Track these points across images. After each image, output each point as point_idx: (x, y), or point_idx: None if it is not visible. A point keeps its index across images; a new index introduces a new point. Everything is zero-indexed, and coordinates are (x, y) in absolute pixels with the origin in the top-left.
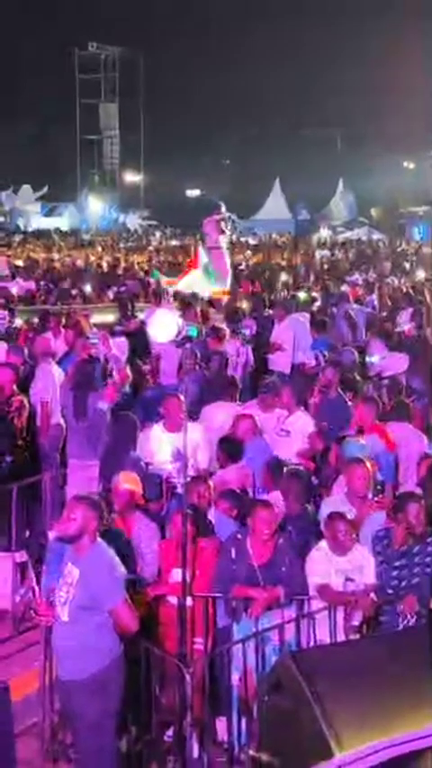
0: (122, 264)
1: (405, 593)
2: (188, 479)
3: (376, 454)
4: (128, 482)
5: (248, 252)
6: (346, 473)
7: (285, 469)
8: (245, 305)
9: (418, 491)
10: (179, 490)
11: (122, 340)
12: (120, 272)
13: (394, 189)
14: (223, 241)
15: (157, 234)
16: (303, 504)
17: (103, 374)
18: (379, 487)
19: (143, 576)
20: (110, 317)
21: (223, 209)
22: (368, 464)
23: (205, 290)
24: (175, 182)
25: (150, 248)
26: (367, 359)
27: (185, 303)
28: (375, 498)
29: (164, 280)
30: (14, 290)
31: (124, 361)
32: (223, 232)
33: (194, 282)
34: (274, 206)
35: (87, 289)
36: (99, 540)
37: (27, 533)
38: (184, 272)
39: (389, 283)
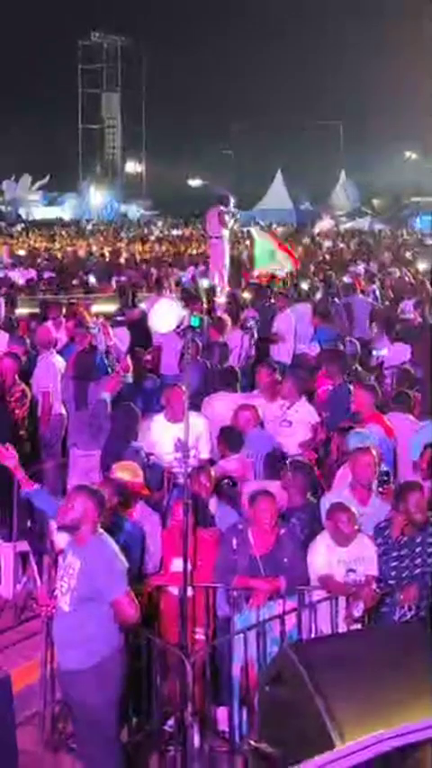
0: (123, 255)
1: (407, 584)
2: (190, 469)
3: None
4: (123, 471)
5: (249, 242)
6: (352, 461)
7: (289, 461)
8: (246, 295)
9: (421, 482)
10: (180, 480)
11: (123, 330)
12: (122, 261)
13: (396, 179)
14: (225, 233)
15: (159, 224)
16: (307, 495)
17: (109, 364)
18: (385, 478)
19: (145, 566)
20: (111, 307)
21: (232, 202)
22: (374, 452)
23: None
24: (176, 172)
25: (152, 238)
26: (375, 352)
27: (190, 294)
28: (381, 489)
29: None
30: (19, 279)
31: (125, 351)
32: (226, 224)
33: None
34: (276, 196)
35: (89, 279)
36: (100, 530)
37: (28, 523)
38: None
39: (391, 273)
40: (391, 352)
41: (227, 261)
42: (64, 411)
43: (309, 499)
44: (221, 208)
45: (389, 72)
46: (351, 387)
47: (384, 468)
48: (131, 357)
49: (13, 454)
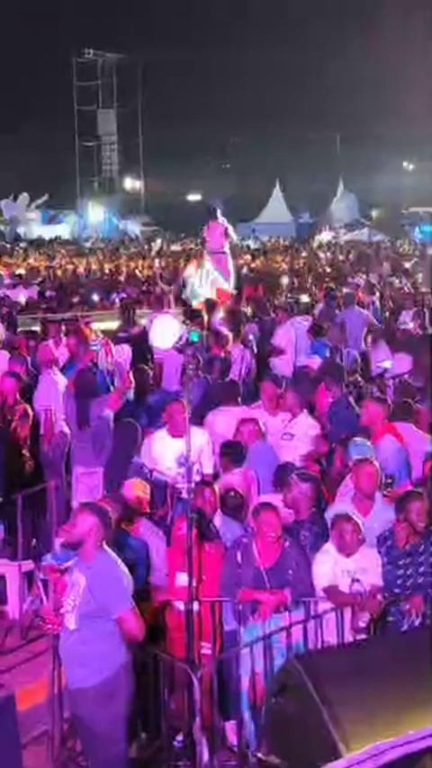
0: (124, 271)
1: (411, 593)
2: (193, 485)
3: (392, 453)
4: (137, 490)
5: (248, 256)
6: (355, 473)
7: (296, 473)
8: (247, 309)
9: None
10: (184, 495)
11: (125, 346)
12: (122, 278)
13: (395, 190)
14: (227, 247)
15: (158, 240)
16: (314, 507)
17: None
18: (389, 480)
19: (151, 581)
20: (113, 324)
21: (218, 212)
22: (376, 463)
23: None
24: (175, 187)
25: (152, 254)
26: (378, 365)
27: (192, 311)
28: (385, 491)
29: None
30: (21, 298)
31: (127, 368)
32: (229, 238)
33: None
34: (275, 209)
35: (91, 296)
36: (105, 547)
37: (33, 542)
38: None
39: (391, 284)
40: (393, 363)
41: (231, 276)
42: (66, 429)
43: (315, 511)
44: (225, 223)
45: (386, 83)
46: (350, 399)
47: (388, 471)
48: (134, 373)
49: None
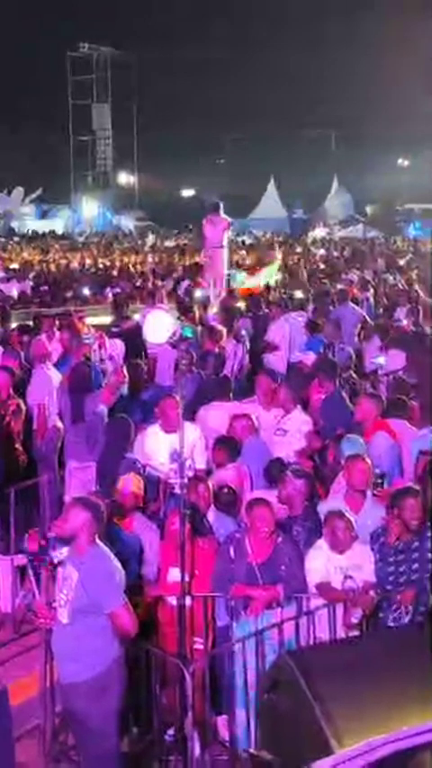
0: (117, 266)
1: (404, 589)
2: (186, 480)
3: (385, 449)
4: (133, 486)
5: (243, 252)
6: (347, 468)
7: (290, 470)
8: (241, 304)
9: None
10: (177, 491)
11: (118, 341)
12: (115, 273)
13: (390, 186)
14: (225, 242)
15: (152, 235)
16: (307, 503)
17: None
18: (379, 480)
19: (144, 576)
20: (106, 319)
21: (221, 210)
22: (368, 460)
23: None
24: (169, 182)
25: (146, 249)
26: (373, 361)
27: (185, 305)
28: (375, 491)
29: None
30: (13, 292)
31: (120, 363)
32: (228, 232)
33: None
34: (269, 205)
35: (84, 290)
36: (98, 542)
37: (26, 536)
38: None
39: (386, 280)
40: (387, 359)
41: (226, 269)
42: (60, 424)
43: (308, 507)
44: (226, 219)
45: (381, 79)
46: (344, 394)
47: (378, 471)
48: (128, 368)
49: None
